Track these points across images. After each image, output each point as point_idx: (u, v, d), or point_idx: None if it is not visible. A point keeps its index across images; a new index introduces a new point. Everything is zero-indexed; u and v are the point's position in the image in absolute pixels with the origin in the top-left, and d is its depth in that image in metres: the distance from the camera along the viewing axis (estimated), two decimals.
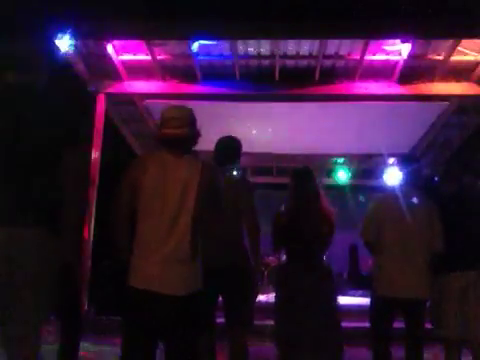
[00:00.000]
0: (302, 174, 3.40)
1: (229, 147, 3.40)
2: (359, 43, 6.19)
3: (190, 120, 2.40)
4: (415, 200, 3.33)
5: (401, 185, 3.43)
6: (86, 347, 4.97)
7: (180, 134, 2.35)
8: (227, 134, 3.51)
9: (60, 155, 2.06)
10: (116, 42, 6.31)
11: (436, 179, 3.62)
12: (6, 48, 2.17)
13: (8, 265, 1.89)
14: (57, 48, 5.56)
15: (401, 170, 3.45)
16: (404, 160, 3.53)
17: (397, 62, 6.49)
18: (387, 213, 3.30)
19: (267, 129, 8.43)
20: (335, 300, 3.29)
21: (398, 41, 6.05)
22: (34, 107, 2.08)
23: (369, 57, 6.43)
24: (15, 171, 1.98)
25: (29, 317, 1.95)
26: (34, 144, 2.02)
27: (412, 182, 3.41)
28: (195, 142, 2.44)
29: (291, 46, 6.38)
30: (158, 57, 6.53)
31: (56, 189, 2.05)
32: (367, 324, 3.48)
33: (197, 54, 6.32)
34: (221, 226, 2.41)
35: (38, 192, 2.00)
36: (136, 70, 6.78)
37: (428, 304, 3.38)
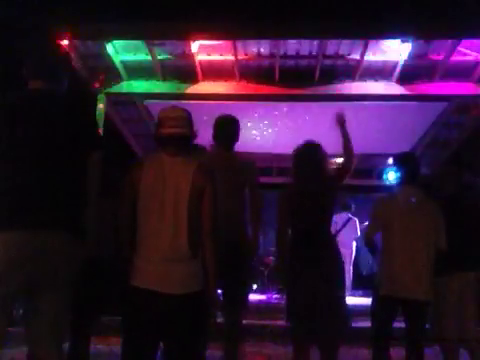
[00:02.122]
0: (301, 154, 3.35)
1: (229, 126, 3.46)
2: (359, 43, 6.19)
3: (185, 120, 2.42)
4: (418, 200, 3.34)
5: (403, 185, 3.42)
6: None
7: (174, 133, 2.37)
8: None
9: (84, 160, 2.09)
10: (116, 42, 6.32)
11: (436, 180, 3.62)
12: (31, 51, 2.21)
13: (34, 267, 1.91)
14: (62, 47, 5.55)
15: (399, 169, 3.45)
16: (402, 159, 3.54)
17: (397, 62, 6.50)
18: (392, 213, 3.30)
19: (267, 129, 8.44)
20: (341, 278, 3.23)
21: (398, 41, 6.05)
22: (58, 111, 2.11)
23: (369, 57, 6.44)
24: (42, 175, 2.00)
25: (53, 318, 1.98)
26: (61, 148, 2.05)
27: (412, 181, 3.41)
28: (190, 142, 2.45)
29: (291, 46, 6.38)
30: (158, 57, 6.54)
31: (81, 192, 2.08)
32: (367, 324, 3.48)
33: (197, 54, 6.34)
34: (222, 208, 2.43)
35: (64, 196, 2.03)
36: (136, 70, 6.79)
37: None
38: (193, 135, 2.45)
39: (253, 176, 3.38)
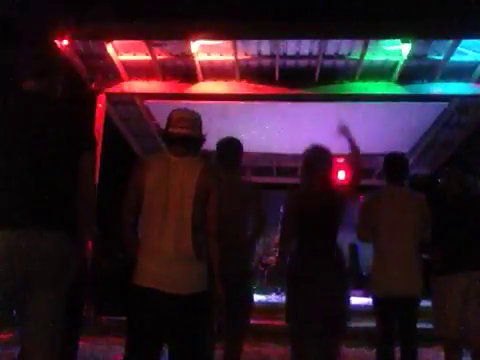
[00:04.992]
0: (312, 157, 3.31)
1: (231, 151, 3.43)
2: (359, 43, 6.19)
3: (197, 123, 2.45)
4: (405, 199, 3.40)
5: (389, 185, 3.48)
6: (86, 347, 4.98)
7: (186, 134, 2.38)
8: (227, 135, 3.52)
9: (78, 158, 2.09)
10: (116, 42, 6.31)
11: (439, 180, 3.64)
12: (22, 52, 2.22)
13: (27, 266, 1.92)
14: (57, 48, 5.56)
15: (389, 168, 3.51)
16: (389, 160, 3.59)
17: (397, 62, 6.49)
18: (380, 212, 3.34)
19: (267, 129, 8.43)
20: (345, 288, 3.20)
21: (398, 41, 6.05)
22: (52, 111, 2.12)
23: (369, 57, 6.43)
24: (36, 174, 2.00)
25: (46, 317, 1.97)
26: (54, 147, 2.05)
27: (400, 180, 3.47)
28: (200, 145, 2.47)
29: (291, 46, 6.38)
30: (158, 57, 6.53)
31: (74, 192, 2.09)
32: (367, 324, 3.49)
33: (197, 54, 6.34)
34: (223, 227, 2.42)
35: (58, 195, 2.03)
36: (136, 70, 6.79)
37: (431, 304, 3.40)
38: (202, 138, 2.46)
39: (258, 203, 3.35)
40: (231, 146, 3.44)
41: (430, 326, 3.44)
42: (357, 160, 3.26)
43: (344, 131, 3.25)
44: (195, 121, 2.44)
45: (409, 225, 3.29)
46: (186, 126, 2.39)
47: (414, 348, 3.22)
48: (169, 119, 2.44)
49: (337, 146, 3.35)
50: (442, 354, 3.39)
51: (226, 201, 2.47)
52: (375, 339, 3.36)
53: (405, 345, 3.24)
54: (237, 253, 3.07)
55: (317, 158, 3.22)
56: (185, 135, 2.38)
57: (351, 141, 3.23)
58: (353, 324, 3.64)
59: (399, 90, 6.75)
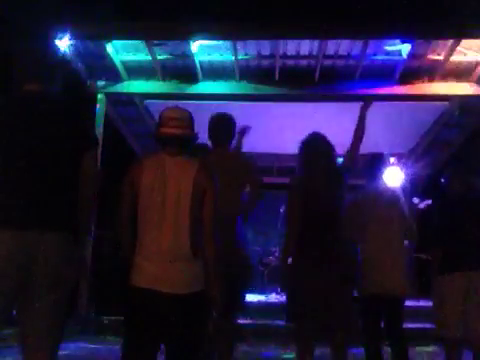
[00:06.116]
0: (309, 145, 3.33)
1: (224, 124, 3.44)
2: (359, 43, 6.19)
3: (189, 121, 2.42)
4: (390, 196, 3.44)
5: (373, 185, 3.50)
6: (86, 347, 4.98)
7: (178, 134, 2.36)
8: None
9: (79, 160, 2.09)
10: (116, 42, 6.32)
11: (442, 180, 3.64)
12: (21, 51, 2.22)
13: (29, 267, 1.92)
14: (57, 48, 5.56)
15: (372, 169, 3.54)
16: (374, 159, 3.62)
17: (397, 62, 6.50)
18: (366, 212, 3.36)
19: (267, 129, 8.43)
20: (347, 276, 3.16)
21: (398, 41, 6.05)
22: (54, 112, 2.12)
23: (369, 57, 6.44)
24: (37, 175, 2.01)
25: (48, 318, 1.98)
26: (55, 148, 2.06)
27: (381, 181, 3.54)
28: (192, 143, 2.45)
29: (291, 46, 6.38)
30: (158, 57, 6.54)
31: (76, 194, 2.09)
32: None
33: (197, 54, 6.34)
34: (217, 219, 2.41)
35: (60, 195, 2.04)
36: (136, 70, 6.79)
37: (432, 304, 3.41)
38: (194, 136, 2.44)
39: (253, 175, 3.35)
40: (223, 120, 3.43)
41: (427, 326, 3.44)
42: (360, 131, 3.37)
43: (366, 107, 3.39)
44: (187, 120, 2.41)
45: (395, 224, 3.32)
46: (179, 125, 2.36)
47: (405, 347, 3.23)
48: (160, 118, 2.42)
49: (337, 146, 3.35)
50: (440, 354, 3.39)
51: (219, 182, 2.45)
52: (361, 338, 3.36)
53: (395, 344, 3.25)
54: (228, 231, 3.00)
55: (315, 143, 3.26)
56: (179, 135, 2.36)
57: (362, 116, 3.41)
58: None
59: (399, 90, 6.75)
